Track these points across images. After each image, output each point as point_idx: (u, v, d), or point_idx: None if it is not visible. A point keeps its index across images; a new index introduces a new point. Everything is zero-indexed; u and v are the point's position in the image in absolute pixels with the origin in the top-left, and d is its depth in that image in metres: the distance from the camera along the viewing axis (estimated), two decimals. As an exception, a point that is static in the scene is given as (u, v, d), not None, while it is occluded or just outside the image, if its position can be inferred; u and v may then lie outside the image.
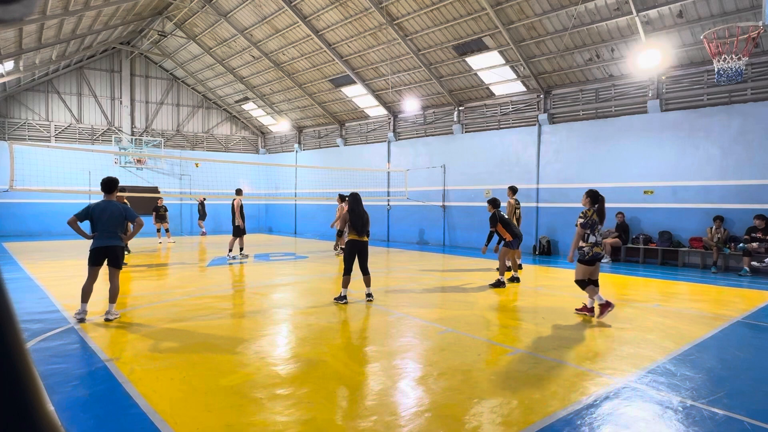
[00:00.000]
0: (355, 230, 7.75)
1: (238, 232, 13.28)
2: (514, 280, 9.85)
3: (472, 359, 4.97)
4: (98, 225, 6.48)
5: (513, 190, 12.05)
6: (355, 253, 7.77)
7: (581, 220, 6.80)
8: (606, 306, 6.58)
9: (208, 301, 7.81)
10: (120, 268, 6.71)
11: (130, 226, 6.83)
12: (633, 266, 12.69)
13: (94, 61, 22.75)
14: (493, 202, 9.86)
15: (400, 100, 19.03)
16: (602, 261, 13.27)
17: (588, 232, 6.76)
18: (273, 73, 21.19)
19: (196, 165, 22.44)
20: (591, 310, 6.93)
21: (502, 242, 9.75)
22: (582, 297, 8.33)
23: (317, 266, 12.36)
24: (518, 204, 12.08)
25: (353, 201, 7.91)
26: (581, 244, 6.81)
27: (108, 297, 6.58)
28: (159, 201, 18.39)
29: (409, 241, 19.37)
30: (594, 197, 6.91)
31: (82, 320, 6.31)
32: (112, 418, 3.56)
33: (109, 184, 6.63)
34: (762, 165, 11.58)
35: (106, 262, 6.59)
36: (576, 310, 7.16)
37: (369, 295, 7.90)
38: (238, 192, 13.61)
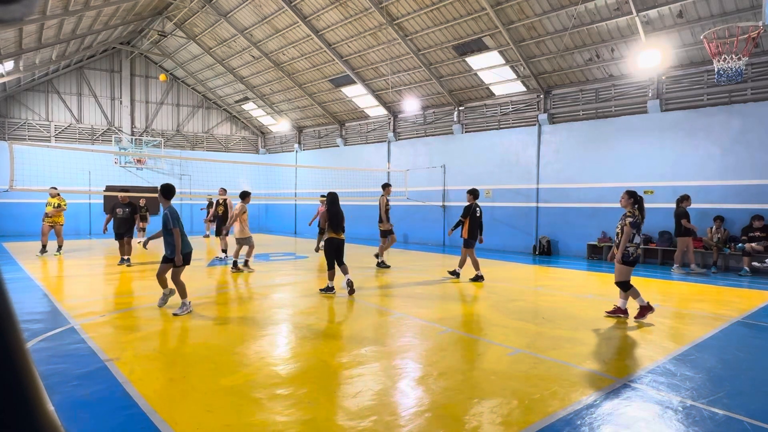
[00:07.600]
0: (333, 228, 8.39)
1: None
2: (479, 279, 9.93)
3: (472, 359, 4.97)
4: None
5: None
6: (334, 249, 8.43)
7: (630, 219, 6.56)
8: (647, 309, 6.53)
9: (208, 300, 7.81)
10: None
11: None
12: (633, 266, 12.67)
13: (94, 61, 22.75)
14: (473, 193, 10.30)
15: (400, 100, 19.03)
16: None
17: (634, 231, 6.56)
18: (273, 73, 21.19)
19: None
20: (625, 312, 6.70)
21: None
22: (585, 297, 8.34)
23: (317, 266, 12.35)
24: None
25: (331, 201, 8.50)
26: (626, 244, 6.58)
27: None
28: (141, 201, 18.13)
29: (409, 241, 19.37)
30: (635, 196, 6.69)
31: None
32: (113, 418, 3.56)
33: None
34: (762, 165, 11.58)
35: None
36: (606, 313, 6.85)
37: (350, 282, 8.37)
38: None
